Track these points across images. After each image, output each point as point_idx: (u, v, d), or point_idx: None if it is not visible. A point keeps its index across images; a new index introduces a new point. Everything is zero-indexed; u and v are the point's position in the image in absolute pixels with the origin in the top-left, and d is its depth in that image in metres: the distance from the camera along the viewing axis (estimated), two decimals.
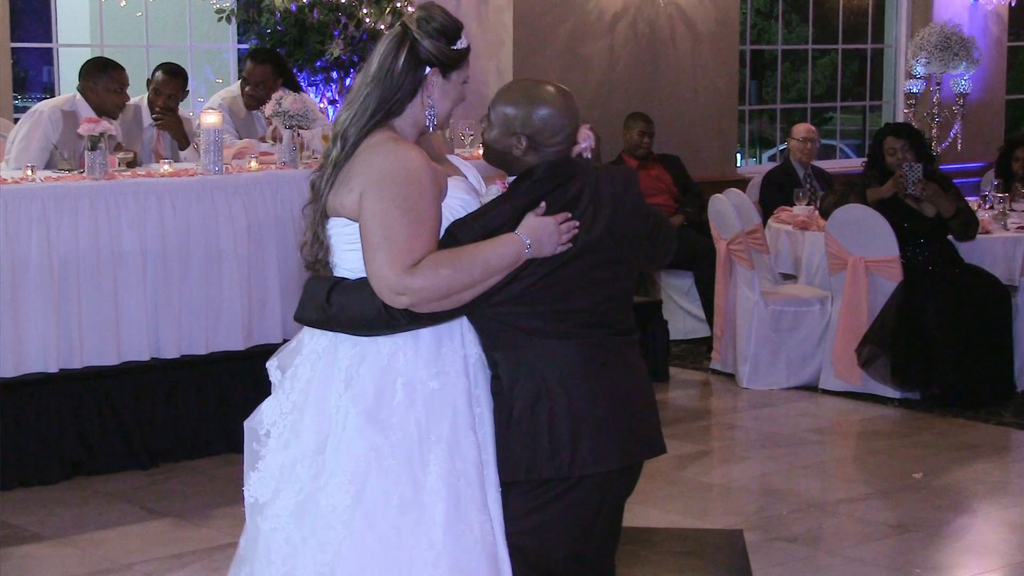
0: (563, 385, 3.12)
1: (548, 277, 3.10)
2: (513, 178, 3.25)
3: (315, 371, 3.16)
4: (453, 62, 3.17)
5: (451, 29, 3.17)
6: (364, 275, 3.08)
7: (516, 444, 3.12)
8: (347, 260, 3.15)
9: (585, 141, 3.33)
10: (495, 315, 3.12)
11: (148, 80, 7.24)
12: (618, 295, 3.23)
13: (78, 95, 6.78)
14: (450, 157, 3.36)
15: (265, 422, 3.22)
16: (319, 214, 3.16)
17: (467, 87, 3.26)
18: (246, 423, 3.26)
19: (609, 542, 3.31)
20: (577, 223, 3.11)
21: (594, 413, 3.13)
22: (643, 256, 3.34)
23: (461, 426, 3.09)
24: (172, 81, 7.17)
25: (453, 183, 3.17)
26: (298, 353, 3.23)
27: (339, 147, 3.13)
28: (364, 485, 3.05)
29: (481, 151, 3.37)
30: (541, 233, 3.07)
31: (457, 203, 3.14)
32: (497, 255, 3.04)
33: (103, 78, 6.74)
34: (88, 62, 6.94)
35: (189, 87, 7.55)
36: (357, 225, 3.07)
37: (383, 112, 3.13)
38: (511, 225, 3.08)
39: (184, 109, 7.44)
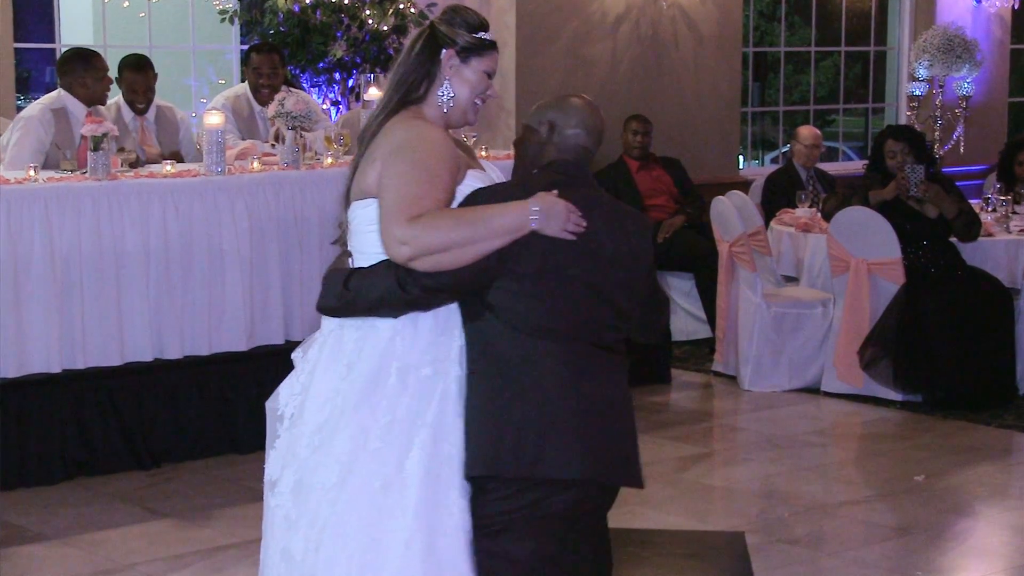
0: (540, 385, 3.08)
1: (548, 262, 3.06)
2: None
3: (322, 354, 3.21)
4: (471, 47, 3.21)
5: (474, 21, 3.23)
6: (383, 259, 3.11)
7: (484, 437, 3.09)
8: (365, 243, 3.15)
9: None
10: (488, 297, 3.07)
11: (130, 78, 7.12)
12: (608, 319, 3.17)
13: (63, 91, 6.74)
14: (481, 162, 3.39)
15: (281, 403, 3.29)
16: (343, 202, 3.21)
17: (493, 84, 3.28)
18: (267, 403, 3.34)
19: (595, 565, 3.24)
20: (585, 222, 3.07)
21: (566, 419, 3.08)
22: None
23: (449, 413, 3.11)
24: (147, 74, 7.14)
25: (472, 174, 3.19)
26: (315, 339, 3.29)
27: (363, 141, 3.19)
28: (351, 465, 3.09)
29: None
30: (550, 208, 3.03)
31: (470, 191, 3.15)
32: (500, 214, 3.01)
33: (88, 69, 6.70)
34: (65, 56, 6.89)
35: (191, 88, 7.54)
36: (376, 203, 3.08)
37: (400, 94, 3.18)
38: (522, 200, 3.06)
39: (186, 110, 7.43)
